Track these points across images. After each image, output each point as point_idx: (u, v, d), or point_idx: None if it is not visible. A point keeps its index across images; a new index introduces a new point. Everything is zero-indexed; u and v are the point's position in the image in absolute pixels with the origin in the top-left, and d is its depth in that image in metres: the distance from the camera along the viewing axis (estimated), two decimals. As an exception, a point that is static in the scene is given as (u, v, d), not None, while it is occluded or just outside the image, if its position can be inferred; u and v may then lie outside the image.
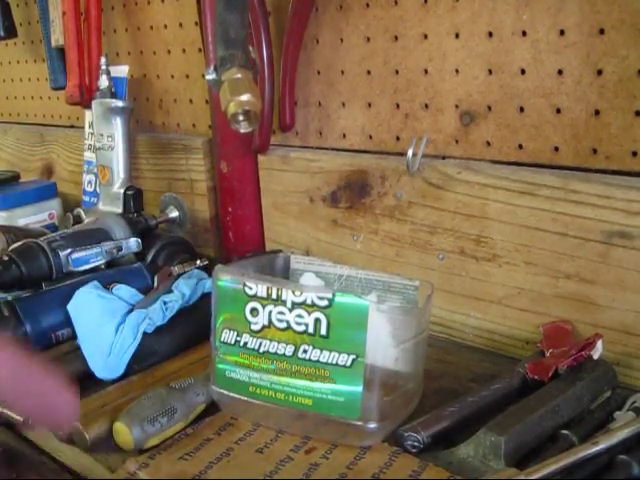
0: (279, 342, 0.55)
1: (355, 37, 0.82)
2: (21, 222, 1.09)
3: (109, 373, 0.67)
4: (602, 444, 0.50)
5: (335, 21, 0.84)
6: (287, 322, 0.55)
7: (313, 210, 0.88)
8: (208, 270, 0.82)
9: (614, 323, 0.64)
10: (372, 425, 0.54)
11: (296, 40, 0.86)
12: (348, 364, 0.53)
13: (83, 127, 1.16)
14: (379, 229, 0.81)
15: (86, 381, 0.67)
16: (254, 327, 0.56)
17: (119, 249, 0.88)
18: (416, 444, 0.54)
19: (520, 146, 0.71)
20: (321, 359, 0.54)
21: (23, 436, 0.62)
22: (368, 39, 0.81)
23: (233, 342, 0.57)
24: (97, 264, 0.85)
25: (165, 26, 1.06)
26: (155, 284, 0.79)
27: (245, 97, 0.57)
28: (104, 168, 1.02)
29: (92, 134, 1.08)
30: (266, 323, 0.56)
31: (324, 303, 0.53)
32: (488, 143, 0.73)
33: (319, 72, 0.88)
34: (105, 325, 0.68)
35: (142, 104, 1.14)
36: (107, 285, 0.75)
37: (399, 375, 0.58)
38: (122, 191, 0.98)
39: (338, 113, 0.87)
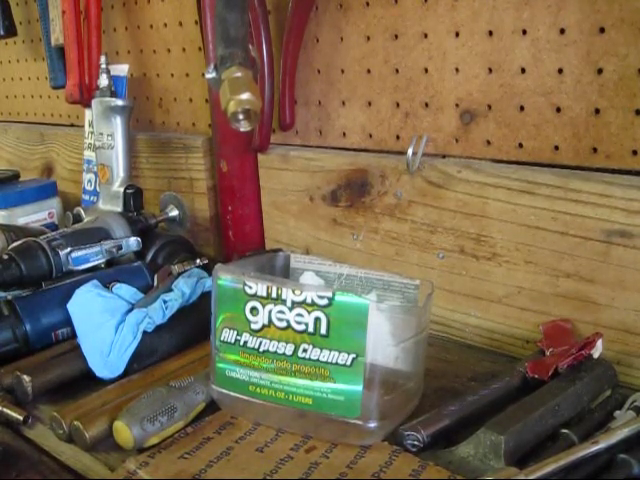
0: (279, 341, 0.55)
1: (355, 36, 0.82)
2: (21, 221, 1.09)
3: (109, 372, 0.67)
4: (602, 443, 0.50)
5: (335, 20, 0.84)
6: (287, 321, 0.55)
7: (313, 209, 0.88)
8: (208, 269, 0.82)
9: (614, 322, 0.64)
10: (372, 424, 0.54)
11: (296, 39, 0.86)
12: (348, 363, 0.53)
13: (83, 126, 1.16)
14: (379, 228, 0.81)
15: (86, 380, 0.67)
16: (254, 326, 0.56)
17: (119, 248, 0.88)
18: (416, 443, 0.54)
19: (520, 145, 0.71)
20: (321, 358, 0.54)
21: (23, 435, 0.62)
22: (368, 38, 0.81)
23: (233, 341, 0.57)
24: (97, 263, 0.85)
25: (165, 25, 1.06)
26: (155, 283, 0.79)
27: (245, 96, 0.57)
28: (104, 167, 1.02)
29: (92, 133, 1.08)
30: (266, 322, 0.56)
31: (324, 302, 0.53)
32: (488, 142, 0.73)
33: (319, 71, 0.87)
34: (105, 324, 0.68)
35: (142, 103, 1.14)
36: (107, 284, 0.75)
37: (399, 374, 0.58)
38: (122, 190, 0.98)
39: (338, 112, 0.87)
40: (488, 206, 0.71)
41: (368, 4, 0.80)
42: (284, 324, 0.55)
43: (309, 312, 0.54)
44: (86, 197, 1.16)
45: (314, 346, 0.54)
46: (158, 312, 0.71)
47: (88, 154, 1.15)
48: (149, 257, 0.92)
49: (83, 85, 1.06)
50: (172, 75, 1.08)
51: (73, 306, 0.71)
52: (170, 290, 0.75)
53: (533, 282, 0.69)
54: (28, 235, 0.86)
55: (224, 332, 0.58)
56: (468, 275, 0.74)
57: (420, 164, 0.75)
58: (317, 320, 0.54)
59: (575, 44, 0.65)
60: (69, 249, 0.82)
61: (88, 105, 1.07)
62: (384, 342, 0.55)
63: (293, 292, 0.54)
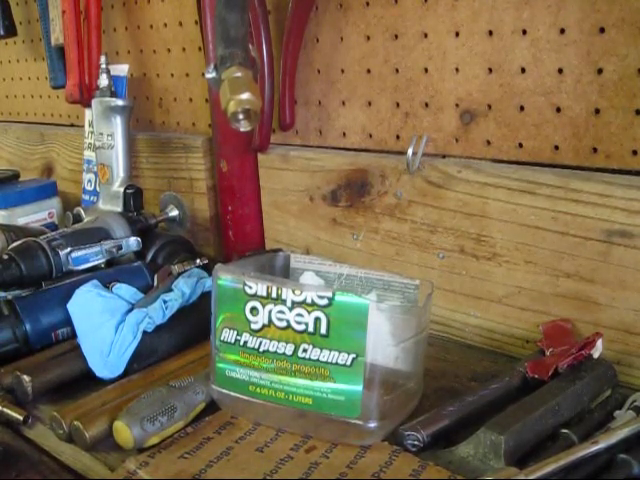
0: (279, 341, 0.55)
1: (355, 36, 0.82)
2: (21, 221, 1.09)
3: (109, 372, 0.67)
4: (602, 443, 0.50)
5: (335, 20, 0.84)
6: (287, 321, 0.55)
7: (313, 209, 0.88)
8: (208, 269, 0.82)
9: (614, 322, 0.64)
10: (372, 424, 0.54)
11: (296, 39, 0.86)
12: (348, 363, 0.53)
13: (83, 126, 1.16)
14: (379, 228, 0.81)
15: (86, 380, 0.67)
16: (254, 326, 0.56)
17: (119, 248, 0.87)
18: (416, 443, 0.54)
19: (520, 145, 0.71)
20: (321, 358, 0.54)
21: (23, 435, 0.62)
22: (368, 38, 0.81)
23: (233, 341, 0.57)
24: (97, 263, 0.85)
25: (165, 25, 1.06)
26: (155, 283, 0.79)
27: (245, 96, 0.57)
28: (104, 167, 1.02)
29: (92, 133, 1.08)
30: (266, 322, 0.56)
31: (324, 302, 0.53)
32: (488, 142, 0.73)
33: (319, 71, 0.87)
34: (105, 324, 0.68)
35: (142, 103, 1.14)
36: (107, 284, 0.75)
37: (399, 374, 0.58)
38: (122, 190, 0.98)
39: (338, 112, 0.87)
40: (488, 206, 0.71)
41: (368, 4, 0.80)
42: (284, 324, 0.55)
43: (309, 312, 0.54)
44: (86, 197, 1.16)
45: (314, 346, 0.54)
46: (158, 312, 0.71)
47: (88, 154, 1.15)
48: (149, 257, 0.92)
49: (83, 85, 1.06)
50: (172, 75, 1.08)
51: (73, 306, 0.71)
52: (170, 290, 0.75)
53: (533, 282, 0.69)
54: (28, 235, 0.86)
55: (224, 332, 0.58)
56: (468, 275, 0.74)
57: (420, 164, 0.75)
58: (317, 320, 0.54)
59: (575, 44, 0.65)
60: (69, 249, 0.82)
61: (88, 105, 1.07)
62: (384, 342, 0.55)
63: (293, 292, 0.54)
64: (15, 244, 0.82)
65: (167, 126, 1.12)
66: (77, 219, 0.99)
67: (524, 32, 0.68)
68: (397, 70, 0.79)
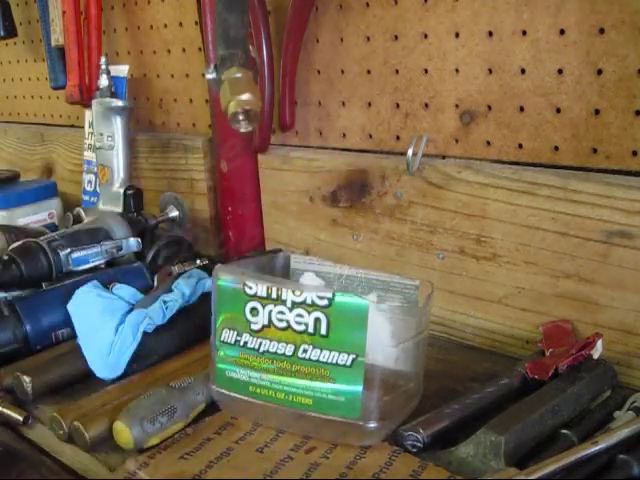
0: (279, 342, 0.55)
1: (355, 36, 0.82)
2: (21, 221, 1.09)
3: (109, 372, 0.67)
4: (602, 444, 0.50)
5: (335, 20, 0.84)
6: (287, 322, 0.55)
7: (313, 209, 0.88)
8: (208, 270, 0.82)
9: (614, 322, 0.64)
10: (372, 425, 0.54)
11: (296, 39, 0.86)
12: (348, 364, 0.53)
13: (83, 127, 1.16)
14: (379, 228, 0.81)
15: (86, 380, 0.67)
16: (254, 327, 0.56)
17: (119, 248, 0.87)
18: (416, 444, 0.54)
19: (520, 146, 0.71)
20: (321, 359, 0.54)
21: (23, 436, 0.62)
22: (368, 38, 0.81)
23: (233, 342, 0.57)
24: (97, 263, 0.85)
25: (165, 25, 1.06)
26: (155, 283, 0.79)
27: (245, 96, 0.57)
28: (104, 168, 1.02)
29: (92, 134, 1.08)
30: (266, 323, 0.56)
31: (324, 303, 0.53)
32: (488, 143, 0.73)
33: (319, 71, 0.88)
34: (105, 325, 0.68)
35: (142, 103, 1.14)
36: (107, 284, 0.75)
37: (399, 375, 0.58)
38: (122, 191, 0.98)
39: (338, 112, 0.87)
40: (488, 207, 0.71)
41: (368, 5, 0.80)
42: (284, 324, 0.55)
43: (309, 312, 0.54)
44: (86, 198, 1.16)
45: (314, 346, 0.54)
46: (158, 313, 0.71)
47: (88, 155, 1.15)
48: (149, 258, 0.92)
49: (83, 86, 1.06)
50: (172, 76, 1.08)
51: (73, 307, 0.71)
52: (170, 291, 0.75)
53: (533, 283, 0.69)
54: (28, 236, 0.86)
55: (224, 332, 0.58)
56: (468, 276, 0.74)
57: (420, 165, 0.75)
58: (317, 320, 0.54)
59: (575, 45, 0.65)
60: (69, 250, 0.82)
61: (88, 106, 1.07)
62: (384, 343, 0.55)
63: (293, 293, 0.54)
64: (15, 245, 0.82)
65: (167, 127, 1.12)
66: (77, 220, 0.99)
67: (524, 33, 0.68)
68: (397, 71, 0.79)
